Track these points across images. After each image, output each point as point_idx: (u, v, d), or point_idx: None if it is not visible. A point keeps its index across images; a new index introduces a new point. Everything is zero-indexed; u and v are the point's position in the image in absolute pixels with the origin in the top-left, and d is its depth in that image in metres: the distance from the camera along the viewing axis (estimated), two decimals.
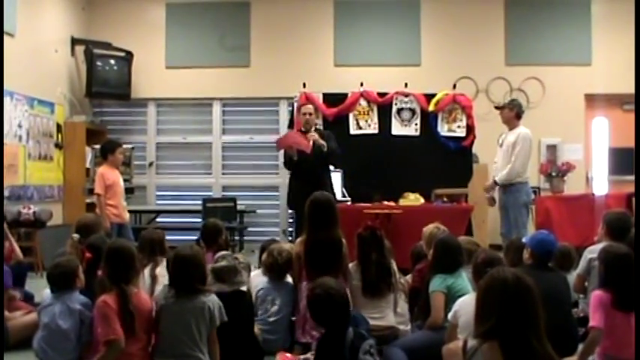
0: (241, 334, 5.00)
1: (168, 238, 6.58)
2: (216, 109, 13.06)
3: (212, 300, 4.61)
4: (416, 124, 10.37)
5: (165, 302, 4.58)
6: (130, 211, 9.57)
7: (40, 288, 6.09)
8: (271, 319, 5.66)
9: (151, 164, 13.07)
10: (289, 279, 6.01)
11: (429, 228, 6.54)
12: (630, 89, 11.33)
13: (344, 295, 4.51)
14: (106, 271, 4.67)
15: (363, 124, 10.13)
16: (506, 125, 9.02)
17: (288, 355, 5.33)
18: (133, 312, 4.46)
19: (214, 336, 4.61)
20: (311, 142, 8.47)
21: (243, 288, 5.37)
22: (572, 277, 5.99)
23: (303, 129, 8.88)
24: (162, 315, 4.57)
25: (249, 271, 5.66)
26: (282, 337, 5.71)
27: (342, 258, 5.73)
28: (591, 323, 4.48)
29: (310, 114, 8.91)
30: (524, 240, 5.79)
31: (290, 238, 10.77)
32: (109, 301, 4.46)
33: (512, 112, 8.96)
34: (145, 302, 4.65)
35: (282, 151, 9.47)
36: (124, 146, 9.87)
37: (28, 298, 6.68)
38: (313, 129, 8.84)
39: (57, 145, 11.43)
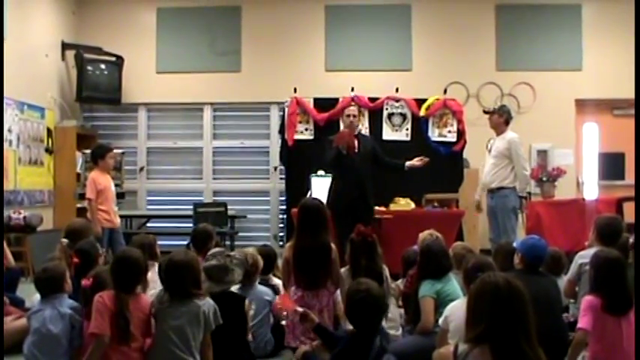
0: (234, 337, 4.99)
1: (159, 243, 6.58)
2: (207, 113, 13.03)
3: (207, 304, 4.61)
4: (407, 129, 10.40)
5: (160, 307, 4.58)
6: (120, 216, 9.52)
7: (30, 293, 6.07)
8: (250, 323, 5.62)
9: (141, 169, 13.03)
10: (257, 285, 6.01)
11: (423, 234, 6.58)
12: (620, 94, 11.46)
13: (383, 299, 4.50)
14: (111, 277, 4.69)
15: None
16: (494, 130, 9.09)
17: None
18: (129, 318, 4.48)
19: (208, 340, 4.61)
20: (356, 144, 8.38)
21: (234, 288, 5.38)
22: (562, 281, 6.00)
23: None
24: (157, 319, 4.58)
25: (244, 268, 5.60)
26: (264, 339, 5.74)
27: (330, 263, 5.74)
28: (578, 325, 4.50)
29: (354, 115, 8.70)
30: (515, 245, 5.81)
31: (281, 243, 10.78)
32: (106, 299, 4.52)
33: (502, 118, 9.02)
34: (144, 306, 4.67)
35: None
36: (115, 151, 9.83)
37: (19, 303, 6.64)
38: (357, 131, 8.73)
39: (47, 150, 11.39)
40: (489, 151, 9.09)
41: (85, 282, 4.95)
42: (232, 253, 5.47)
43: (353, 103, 9.80)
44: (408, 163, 8.67)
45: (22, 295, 6.93)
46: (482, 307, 3.18)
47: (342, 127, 10.32)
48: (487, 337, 3.10)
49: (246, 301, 5.31)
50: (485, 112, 9.54)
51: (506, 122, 9.03)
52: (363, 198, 8.30)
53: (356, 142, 8.40)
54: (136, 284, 4.72)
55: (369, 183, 8.45)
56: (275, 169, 12.61)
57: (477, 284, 3.29)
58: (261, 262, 6.10)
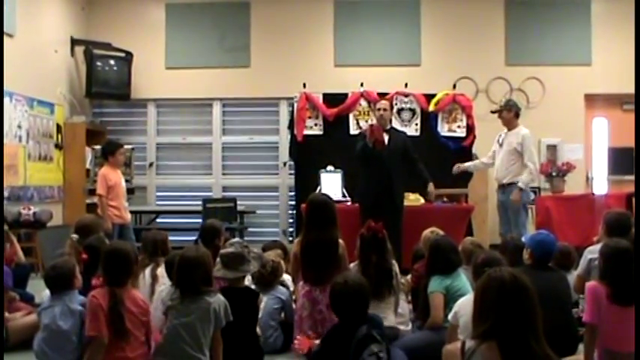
0: (245, 332, 5.00)
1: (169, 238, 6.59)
2: (216, 109, 13.04)
3: (218, 300, 4.62)
4: (416, 124, 10.41)
5: (170, 303, 4.60)
6: (130, 212, 9.55)
7: (40, 289, 6.08)
8: (258, 315, 5.61)
9: (151, 165, 13.05)
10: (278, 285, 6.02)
11: (425, 232, 6.58)
12: (630, 89, 11.33)
13: (362, 288, 4.49)
14: (103, 272, 4.70)
15: (364, 124, 10.12)
16: (507, 126, 8.99)
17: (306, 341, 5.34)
18: (123, 314, 4.49)
19: (218, 336, 4.62)
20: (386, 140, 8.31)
21: (247, 279, 5.46)
22: (572, 276, 5.99)
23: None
24: (167, 316, 4.60)
25: (260, 262, 5.61)
26: (273, 334, 5.74)
27: (337, 258, 5.74)
28: (584, 319, 4.49)
29: (385, 109, 8.57)
30: (523, 240, 5.80)
31: (290, 239, 10.78)
32: (99, 298, 4.52)
33: (512, 113, 8.95)
34: (136, 299, 4.68)
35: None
36: (125, 147, 9.85)
37: (29, 299, 6.67)
38: (388, 126, 8.65)
39: (57, 146, 11.41)
40: (500, 144, 9.01)
41: (95, 281, 4.97)
42: (253, 248, 5.50)
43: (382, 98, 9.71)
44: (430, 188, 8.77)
45: (31, 291, 6.96)
46: (489, 302, 3.17)
47: (350, 120, 10.42)
48: (494, 333, 3.09)
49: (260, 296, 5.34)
50: (492, 112, 9.46)
51: (517, 115, 8.96)
52: (389, 193, 8.27)
53: (386, 137, 8.35)
54: (128, 277, 4.72)
55: (397, 179, 8.40)
56: (284, 164, 12.62)
57: (483, 279, 3.28)
58: (282, 269, 6.12)
